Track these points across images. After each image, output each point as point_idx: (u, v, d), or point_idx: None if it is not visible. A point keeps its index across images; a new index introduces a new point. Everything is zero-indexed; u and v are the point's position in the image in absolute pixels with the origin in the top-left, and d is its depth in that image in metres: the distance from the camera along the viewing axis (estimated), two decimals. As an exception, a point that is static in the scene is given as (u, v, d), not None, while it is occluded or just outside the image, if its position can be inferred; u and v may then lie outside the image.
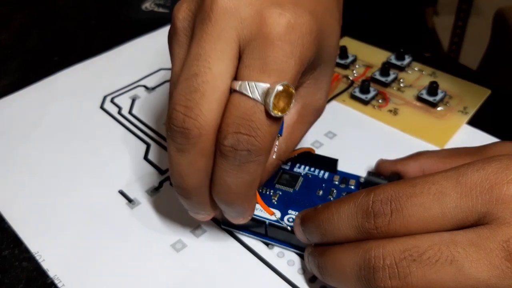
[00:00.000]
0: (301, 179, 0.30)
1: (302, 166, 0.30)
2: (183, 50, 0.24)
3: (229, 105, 0.22)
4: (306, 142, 0.34)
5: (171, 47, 0.25)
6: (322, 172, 0.30)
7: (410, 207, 0.21)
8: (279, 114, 0.22)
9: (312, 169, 0.30)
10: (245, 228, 0.28)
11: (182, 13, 0.24)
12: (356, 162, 0.31)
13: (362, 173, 0.30)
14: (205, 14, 0.22)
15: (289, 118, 0.26)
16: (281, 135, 0.25)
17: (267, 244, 0.28)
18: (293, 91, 0.22)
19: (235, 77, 0.22)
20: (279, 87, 0.21)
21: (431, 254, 0.20)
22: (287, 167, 0.30)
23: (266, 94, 0.21)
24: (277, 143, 0.25)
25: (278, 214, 0.28)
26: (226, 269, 0.27)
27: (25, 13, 0.51)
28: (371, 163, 0.31)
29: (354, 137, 0.34)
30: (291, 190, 0.29)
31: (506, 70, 0.56)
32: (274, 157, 0.26)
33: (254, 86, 0.22)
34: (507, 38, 0.58)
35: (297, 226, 0.25)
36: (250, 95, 0.22)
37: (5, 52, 0.46)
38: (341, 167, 0.30)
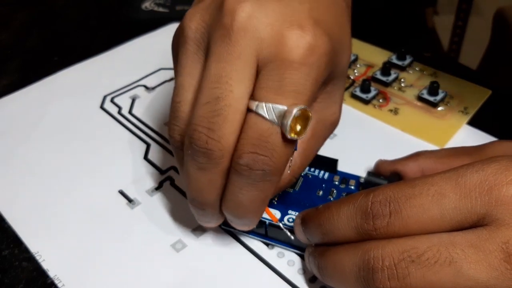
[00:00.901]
0: (301, 179, 0.30)
1: None
2: (191, 61, 0.24)
3: (246, 126, 0.22)
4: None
5: (178, 56, 0.25)
6: (322, 172, 0.30)
7: (409, 208, 0.21)
8: (295, 137, 0.22)
9: (312, 169, 0.30)
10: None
11: (195, 24, 0.24)
12: (356, 162, 0.31)
13: (362, 173, 0.30)
14: (224, 31, 0.22)
15: None
16: (296, 150, 0.25)
17: (267, 244, 0.28)
18: (310, 114, 0.22)
19: (253, 96, 0.23)
20: (297, 111, 0.21)
21: (430, 255, 0.20)
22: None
23: (283, 116, 0.22)
24: (291, 158, 0.25)
25: (278, 214, 0.28)
26: (226, 269, 0.27)
27: (25, 13, 0.51)
28: (371, 163, 0.31)
29: (354, 137, 0.34)
30: (291, 190, 0.29)
31: (506, 70, 0.56)
32: (288, 171, 0.26)
33: (271, 108, 0.22)
34: (507, 38, 0.58)
35: (298, 226, 0.25)
36: (267, 116, 0.22)
37: (5, 52, 0.46)
38: (341, 167, 0.30)
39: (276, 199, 0.28)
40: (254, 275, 0.26)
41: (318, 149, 0.28)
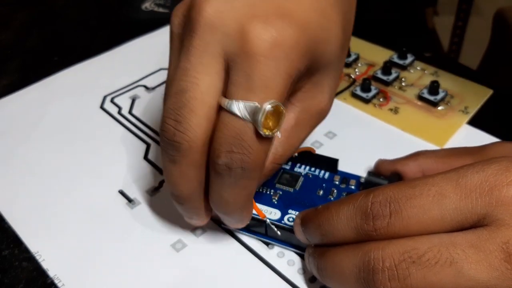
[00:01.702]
0: (301, 179, 0.30)
1: (303, 166, 0.30)
2: (175, 56, 0.24)
3: (220, 124, 0.22)
4: (306, 142, 0.33)
5: (169, 51, 0.25)
6: (322, 172, 0.30)
7: (410, 208, 0.21)
8: (268, 133, 0.22)
9: (313, 169, 0.30)
10: (245, 228, 0.28)
11: (177, 19, 0.24)
12: (356, 162, 0.31)
13: (363, 172, 0.30)
14: (191, 25, 0.22)
15: (286, 122, 0.26)
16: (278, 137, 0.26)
17: (267, 244, 0.28)
18: (283, 110, 0.22)
19: (225, 93, 0.23)
20: (268, 107, 0.21)
21: (431, 255, 0.20)
22: (287, 167, 0.30)
23: (254, 113, 0.21)
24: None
25: (278, 214, 0.28)
26: (226, 269, 0.27)
27: (25, 13, 0.51)
28: (371, 163, 0.31)
29: (354, 136, 0.34)
30: (291, 190, 0.29)
31: (506, 70, 0.56)
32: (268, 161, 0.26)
33: (243, 105, 0.22)
34: (507, 38, 0.58)
35: (297, 227, 0.25)
36: (239, 114, 0.22)
37: (5, 52, 0.46)
38: (341, 167, 0.30)
39: (276, 198, 0.28)
40: (254, 275, 0.26)
41: (303, 138, 0.27)
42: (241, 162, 0.22)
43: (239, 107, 0.22)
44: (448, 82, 0.37)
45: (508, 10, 0.59)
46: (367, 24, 0.45)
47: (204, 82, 0.22)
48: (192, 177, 0.24)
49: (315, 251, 0.24)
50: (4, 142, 0.36)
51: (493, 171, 0.20)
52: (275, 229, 0.27)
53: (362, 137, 0.34)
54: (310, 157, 0.30)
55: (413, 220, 0.21)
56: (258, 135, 0.22)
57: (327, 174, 0.30)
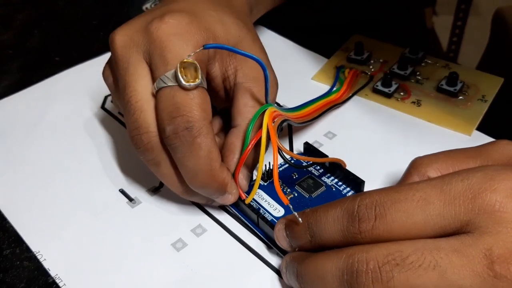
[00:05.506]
0: (323, 188, 0.29)
1: (332, 177, 0.30)
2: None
3: (157, 105, 0.26)
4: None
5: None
6: (347, 189, 0.30)
7: (394, 212, 0.21)
8: (191, 82, 0.25)
9: (340, 183, 0.30)
10: (241, 210, 0.29)
11: (106, 71, 0.31)
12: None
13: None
14: (114, 58, 0.28)
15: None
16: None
17: (267, 244, 0.28)
18: (194, 61, 0.25)
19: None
20: (180, 63, 0.25)
21: (414, 258, 0.20)
22: (316, 173, 0.31)
23: (173, 75, 0.25)
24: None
25: (281, 212, 0.28)
26: (226, 268, 0.27)
27: (26, 14, 0.51)
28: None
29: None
30: (307, 195, 0.29)
31: (505, 70, 0.56)
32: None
33: (164, 76, 0.25)
34: (506, 37, 0.59)
35: (280, 232, 0.25)
36: (165, 84, 0.25)
37: (7, 52, 0.46)
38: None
39: (288, 198, 0.29)
40: (254, 275, 0.27)
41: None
42: (183, 122, 0.25)
43: (163, 80, 0.25)
44: (460, 73, 0.37)
45: (507, 9, 0.59)
46: (367, 24, 0.45)
47: (137, 85, 0.26)
48: (170, 170, 0.27)
49: (295, 257, 0.24)
50: (6, 142, 0.36)
51: (478, 180, 0.20)
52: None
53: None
54: (341, 171, 0.30)
55: (396, 224, 0.21)
56: (186, 91, 0.25)
57: (350, 193, 0.29)
